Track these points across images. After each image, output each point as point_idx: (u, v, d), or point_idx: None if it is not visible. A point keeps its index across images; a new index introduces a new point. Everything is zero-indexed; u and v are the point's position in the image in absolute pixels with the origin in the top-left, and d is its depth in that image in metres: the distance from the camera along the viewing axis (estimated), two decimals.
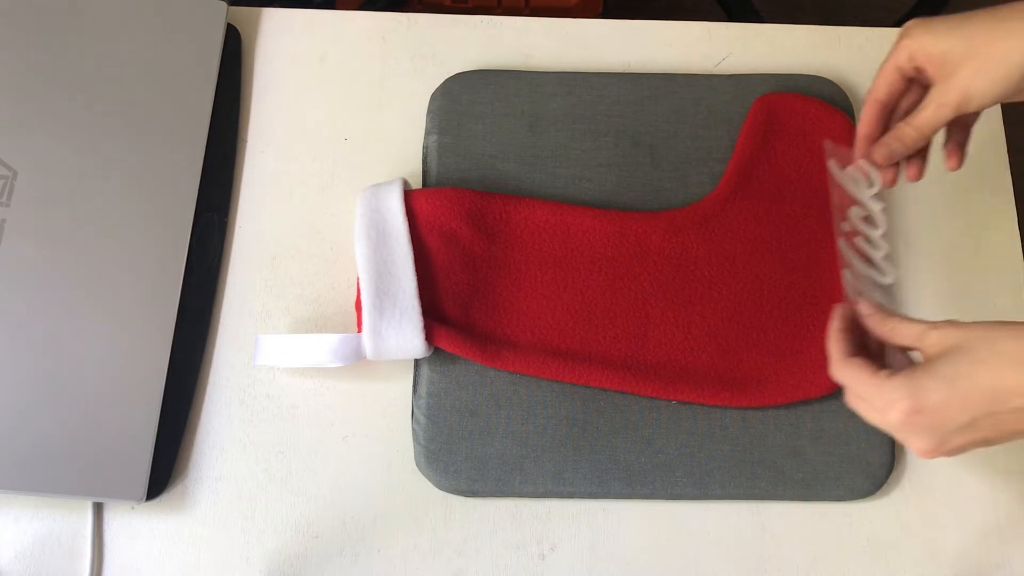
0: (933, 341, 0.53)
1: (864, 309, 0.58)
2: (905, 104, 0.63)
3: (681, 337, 0.68)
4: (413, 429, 0.67)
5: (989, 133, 0.77)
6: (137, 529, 0.65)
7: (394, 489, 0.66)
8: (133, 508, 0.65)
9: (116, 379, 0.65)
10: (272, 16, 0.79)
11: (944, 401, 0.51)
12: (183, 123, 0.72)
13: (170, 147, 0.71)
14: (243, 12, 0.78)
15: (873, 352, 0.58)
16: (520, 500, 0.66)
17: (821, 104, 0.74)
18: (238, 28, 0.77)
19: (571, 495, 0.66)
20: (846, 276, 0.64)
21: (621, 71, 0.77)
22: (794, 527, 0.66)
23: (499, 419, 0.66)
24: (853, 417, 0.66)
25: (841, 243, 0.65)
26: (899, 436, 0.54)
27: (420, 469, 0.66)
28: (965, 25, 0.58)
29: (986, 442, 0.52)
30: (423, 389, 0.67)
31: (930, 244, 0.74)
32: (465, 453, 0.65)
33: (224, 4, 0.76)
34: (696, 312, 0.69)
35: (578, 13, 1.17)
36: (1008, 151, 0.77)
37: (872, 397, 0.53)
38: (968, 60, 0.57)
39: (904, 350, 0.57)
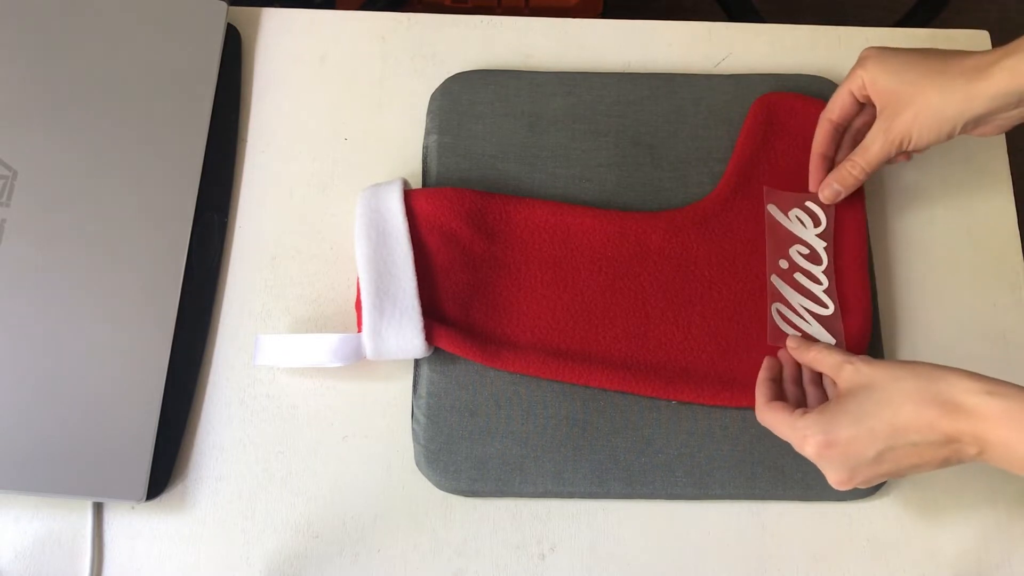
0: (847, 376, 0.58)
1: (791, 343, 0.65)
2: (857, 123, 0.70)
3: (681, 337, 0.68)
4: (413, 429, 0.67)
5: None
6: (137, 529, 0.65)
7: (394, 489, 0.66)
8: (133, 508, 0.65)
9: (116, 379, 0.65)
10: (272, 16, 0.79)
11: (852, 436, 0.55)
12: (183, 123, 0.72)
13: (170, 147, 0.71)
14: (243, 12, 0.78)
15: (809, 389, 0.64)
16: (520, 500, 0.66)
17: (821, 104, 0.74)
18: (238, 28, 0.77)
19: (571, 495, 0.66)
20: (774, 310, 0.68)
21: (621, 71, 0.77)
22: (794, 527, 0.66)
23: (499, 419, 0.66)
24: None
25: (773, 280, 0.69)
26: (818, 466, 0.58)
27: (420, 469, 0.66)
28: (913, 67, 0.64)
29: (892, 474, 0.56)
30: (423, 389, 0.67)
31: (930, 244, 0.74)
32: (465, 453, 0.65)
33: (224, 4, 0.76)
34: (696, 312, 0.69)
35: (578, 13, 1.17)
36: (1008, 151, 0.77)
37: (789, 434, 0.59)
38: (910, 104, 0.63)
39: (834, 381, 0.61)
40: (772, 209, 0.71)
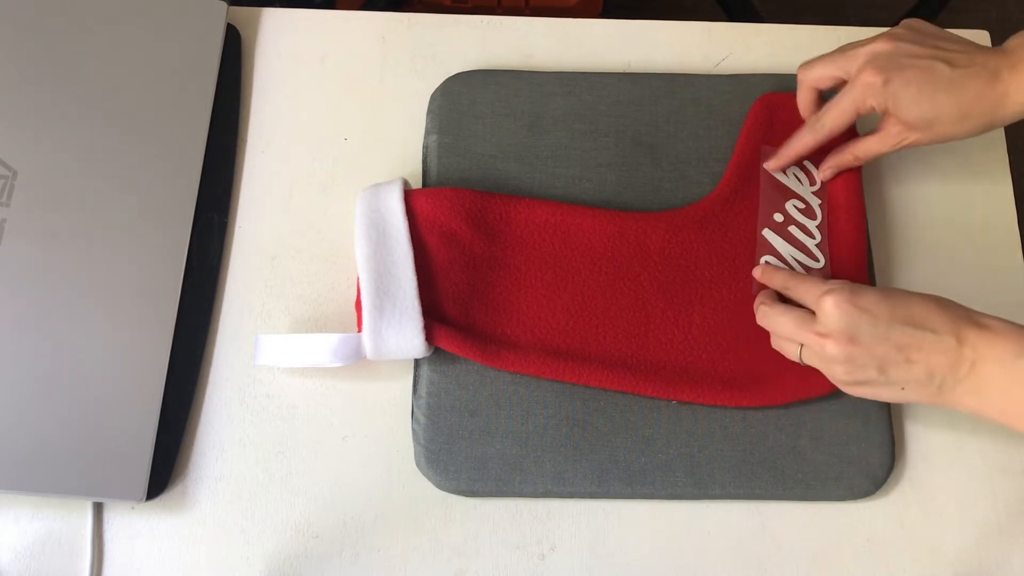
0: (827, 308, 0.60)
1: (756, 271, 0.69)
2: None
3: (681, 337, 0.68)
4: (413, 429, 0.67)
5: (989, 134, 0.77)
6: (137, 529, 0.65)
7: (394, 489, 0.66)
8: (133, 508, 0.65)
9: (116, 379, 0.65)
10: (272, 16, 0.79)
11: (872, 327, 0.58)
12: (183, 123, 0.72)
13: (170, 147, 0.71)
14: (243, 12, 0.78)
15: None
16: (520, 500, 0.66)
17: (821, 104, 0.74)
18: (238, 28, 0.77)
19: (571, 495, 0.66)
20: (764, 262, 0.70)
21: (621, 71, 0.77)
22: (794, 527, 0.66)
23: (499, 419, 0.66)
24: (853, 417, 0.67)
25: (764, 233, 0.70)
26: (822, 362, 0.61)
27: (420, 469, 0.66)
28: (938, 107, 0.63)
29: (892, 361, 0.58)
30: (423, 389, 0.67)
31: (930, 244, 0.74)
32: (465, 453, 0.65)
33: (224, 4, 0.76)
34: (696, 312, 0.69)
35: (578, 13, 1.17)
36: (1008, 151, 0.77)
37: (800, 334, 0.61)
38: (927, 130, 0.65)
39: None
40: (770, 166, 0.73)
